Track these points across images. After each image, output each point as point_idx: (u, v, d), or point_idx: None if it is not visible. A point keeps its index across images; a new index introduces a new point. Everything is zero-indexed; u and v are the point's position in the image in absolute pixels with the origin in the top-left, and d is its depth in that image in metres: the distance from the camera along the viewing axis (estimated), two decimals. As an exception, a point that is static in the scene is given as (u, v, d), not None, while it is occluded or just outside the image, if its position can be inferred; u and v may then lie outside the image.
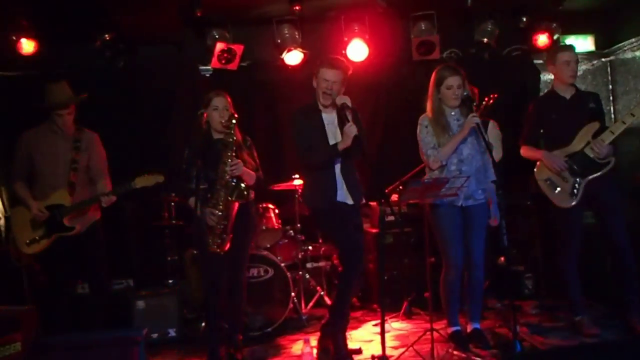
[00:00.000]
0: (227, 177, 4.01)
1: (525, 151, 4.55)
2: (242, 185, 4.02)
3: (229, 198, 4.01)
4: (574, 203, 4.32)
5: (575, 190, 4.32)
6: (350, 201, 4.13)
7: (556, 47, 4.65)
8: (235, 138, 4.07)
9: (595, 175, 4.29)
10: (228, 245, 4.04)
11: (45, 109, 4.33)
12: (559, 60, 4.39)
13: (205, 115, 4.11)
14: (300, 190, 5.36)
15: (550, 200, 4.42)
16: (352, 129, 3.83)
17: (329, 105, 4.05)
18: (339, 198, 4.09)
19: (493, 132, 4.80)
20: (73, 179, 4.29)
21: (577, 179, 4.32)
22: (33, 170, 4.36)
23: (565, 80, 4.42)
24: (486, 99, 4.55)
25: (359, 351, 4.29)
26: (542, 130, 4.47)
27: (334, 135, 4.09)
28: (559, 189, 4.38)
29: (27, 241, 4.25)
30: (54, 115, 4.31)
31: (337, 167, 4.09)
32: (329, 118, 4.13)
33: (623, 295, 4.40)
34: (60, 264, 4.32)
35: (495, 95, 4.50)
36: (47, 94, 4.32)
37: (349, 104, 3.97)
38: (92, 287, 4.47)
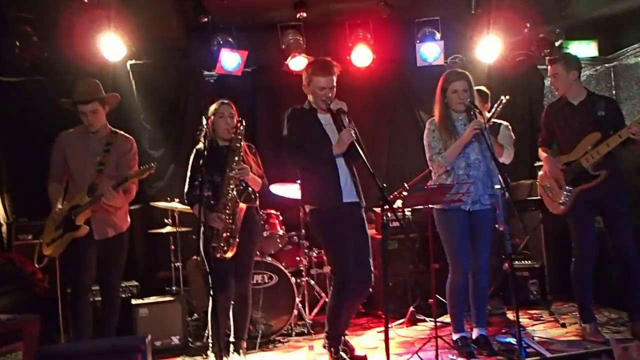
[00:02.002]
0: (235, 180, 4.02)
1: (539, 153, 4.61)
2: (250, 189, 4.05)
3: (237, 200, 4.02)
4: (562, 210, 4.37)
5: (565, 198, 4.34)
6: (355, 199, 4.09)
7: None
8: (242, 143, 4.09)
9: (585, 186, 4.27)
10: (234, 250, 4.04)
11: (69, 106, 4.29)
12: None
13: (209, 122, 4.11)
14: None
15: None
16: (348, 135, 3.83)
17: (325, 107, 4.04)
18: (345, 199, 4.05)
19: (505, 133, 4.80)
20: (96, 181, 4.22)
21: (568, 188, 4.33)
22: (69, 172, 4.34)
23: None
24: (499, 100, 4.55)
25: (363, 358, 4.25)
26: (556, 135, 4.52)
27: (332, 136, 4.06)
28: (551, 194, 4.44)
29: (47, 242, 4.25)
30: (79, 114, 4.26)
31: (341, 166, 4.05)
32: (325, 118, 4.11)
33: (629, 301, 4.38)
34: (82, 266, 4.25)
35: (507, 97, 4.52)
36: (73, 91, 4.30)
37: (345, 109, 3.96)
38: (103, 294, 4.39)
